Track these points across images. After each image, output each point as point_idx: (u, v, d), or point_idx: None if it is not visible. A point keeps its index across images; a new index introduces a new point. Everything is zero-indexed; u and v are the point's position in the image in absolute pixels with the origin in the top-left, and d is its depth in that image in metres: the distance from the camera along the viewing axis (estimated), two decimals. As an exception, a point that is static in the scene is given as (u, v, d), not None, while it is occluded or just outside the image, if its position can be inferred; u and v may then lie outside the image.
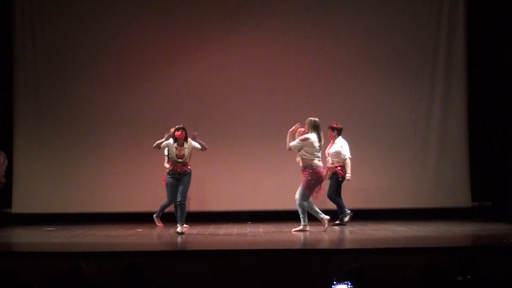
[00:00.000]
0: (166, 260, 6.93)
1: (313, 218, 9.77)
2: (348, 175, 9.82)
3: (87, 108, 11.09)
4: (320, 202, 9.91)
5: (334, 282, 4.52)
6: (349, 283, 4.49)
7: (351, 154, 9.92)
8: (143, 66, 11.12)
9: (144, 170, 10.71)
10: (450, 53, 11.11)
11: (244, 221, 10.53)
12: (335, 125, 10.00)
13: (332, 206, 10.02)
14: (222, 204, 11.02)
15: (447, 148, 11.08)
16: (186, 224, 9.37)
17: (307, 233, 8.95)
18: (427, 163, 11.08)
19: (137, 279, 4.85)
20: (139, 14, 11.18)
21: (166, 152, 9.44)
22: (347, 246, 8.10)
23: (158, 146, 8.86)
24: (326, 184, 9.97)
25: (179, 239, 8.62)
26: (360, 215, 10.56)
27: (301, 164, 9.01)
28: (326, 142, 9.57)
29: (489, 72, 10.91)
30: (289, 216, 9.37)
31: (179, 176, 8.88)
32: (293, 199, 9.47)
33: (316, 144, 8.97)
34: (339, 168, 9.85)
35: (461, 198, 10.97)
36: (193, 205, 10.10)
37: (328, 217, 9.07)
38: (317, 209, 9.03)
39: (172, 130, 9.05)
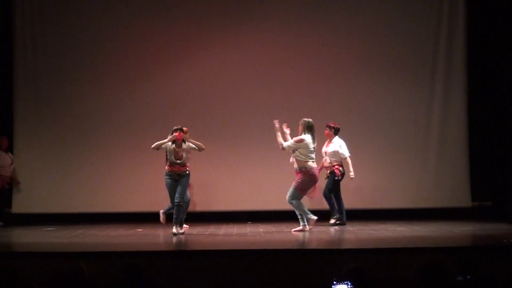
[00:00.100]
0: (166, 260, 6.93)
1: (321, 217, 9.79)
2: (351, 173, 9.84)
3: (87, 108, 11.09)
4: (319, 202, 9.97)
5: (334, 282, 4.51)
6: (349, 283, 4.48)
7: (349, 153, 9.94)
8: (143, 66, 11.12)
9: (144, 170, 10.71)
10: (450, 53, 11.11)
11: (244, 221, 10.53)
12: (332, 125, 10.01)
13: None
14: (222, 204, 11.02)
15: (447, 148, 11.08)
16: (186, 224, 9.39)
17: (307, 233, 8.95)
18: (427, 163, 11.08)
19: (137, 279, 4.84)
20: (139, 14, 11.18)
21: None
22: (347, 246, 8.10)
23: (157, 147, 8.83)
24: (322, 185, 10.01)
25: (179, 239, 8.62)
26: (360, 215, 10.58)
27: (295, 165, 9.02)
28: (320, 141, 9.59)
29: (489, 72, 10.91)
30: (289, 216, 9.36)
31: (178, 177, 8.86)
32: (305, 200, 9.49)
33: (311, 145, 8.98)
34: (336, 167, 9.85)
35: (461, 198, 10.97)
36: (193, 205, 10.10)
37: (315, 217, 9.04)
38: (305, 208, 9.03)
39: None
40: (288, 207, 9.18)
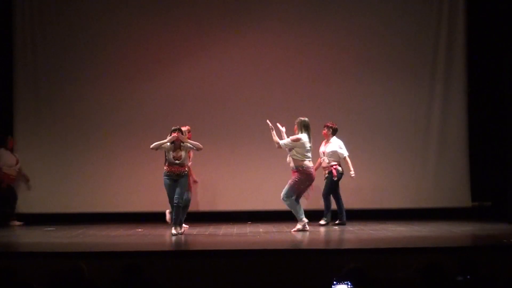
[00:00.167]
0: (166, 260, 6.93)
1: (313, 218, 9.81)
2: (352, 172, 9.84)
3: (87, 108, 11.09)
4: (317, 203, 9.98)
5: (334, 282, 4.51)
6: (349, 283, 4.48)
7: (348, 153, 9.96)
8: (143, 66, 11.12)
9: (144, 170, 10.70)
10: (450, 53, 11.11)
11: (244, 221, 10.53)
12: (330, 125, 10.01)
13: (333, 206, 10.03)
14: (222, 204, 11.02)
15: (447, 148, 11.08)
16: (186, 224, 9.39)
17: (307, 233, 8.95)
18: (427, 163, 11.08)
19: (137, 279, 4.84)
20: (139, 14, 11.18)
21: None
22: (347, 246, 8.10)
23: (156, 147, 8.82)
24: (320, 184, 10.02)
25: (179, 239, 8.62)
26: (360, 215, 10.58)
27: (292, 164, 9.02)
28: (316, 141, 9.59)
29: (489, 72, 10.91)
30: (289, 216, 9.36)
31: (176, 178, 8.84)
32: (309, 198, 9.50)
33: (307, 144, 9.00)
34: (334, 167, 9.84)
35: (461, 198, 10.97)
36: (193, 205, 10.09)
37: (306, 220, 9.05)
38: (298, 209, 9.03)
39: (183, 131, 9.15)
40: (304, 207, 9.21)
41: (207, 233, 9.30)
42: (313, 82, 11.13)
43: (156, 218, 10.11)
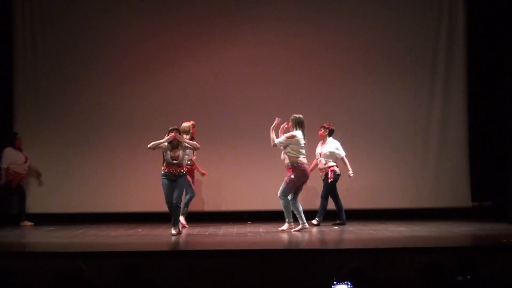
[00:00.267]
0: (166, 260, 6.93)
1: (312, 217, 9.81)
2: (350, 172, 9.84)
3: (87, 108, 11.09)
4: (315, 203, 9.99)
5: (334, 282, 4.51)
6: (349, 283, 4.48)
7: (348, 153, 9.96)
8: (143, 66, 11.12)
9: (144, 170, 10.69)
10: (450, 53, 11.11)
11: (244, 221, 10.53)
12: (327, 126, 10.00)
13: (331, 207, 10.03)
14: (222, 204, 11.03)
15: (447, 148, 11.08)
16: (186, 224, 9.40)
17: (307, 233, 8.95)
18: (427, 163, 11.08)
19: (137, 279, 4.84)
20: (140, 14, 11.18)
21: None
22: (347, 246, 8.09)
23: (154, 147, 8.82)
24: (316, 185, 10.02)
25: (179, 239, 8.62)
26: (360, 215, 10.59)
27: (286, 161, 9.03)
28: (313, 141, 9.59)
29: (489, 72, 10.91)
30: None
31: (174, 178, 8.83)
32: (302, 198, 9.50)
33: (302, 141, 9.01)
34: (331, 168, 9.83)
35: (461, 198, 10.97)
36: (193, 205, 10.10)
37: (307, 226, 9.12)
38: (290, 210, 9.04)
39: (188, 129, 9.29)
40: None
41: (207, 233, 9.29)
42: (313, 82, 11.13)
43: (156, 218, 10.10)
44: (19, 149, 10.78)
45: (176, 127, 8.87)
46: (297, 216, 9.08)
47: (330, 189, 9.90)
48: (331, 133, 10.01)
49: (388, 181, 11.02)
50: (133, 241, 8.47)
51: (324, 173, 9.91)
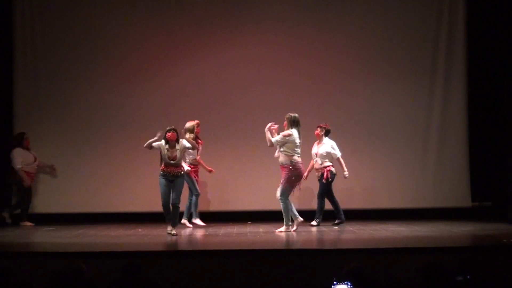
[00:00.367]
0: (166, 260, 6.93)
1: (309, 218, 9.81)
2: (345, 173, 9.84)
3: (87, 108, 11.09)
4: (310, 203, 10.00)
5: (334, 282, 4.51)
6: (349, 283, 4.48)
7: (344, 154, 9.96)
8: (143, 66, 11.12)
9: (144, 170, 10.69)
10: (450, 53, 11.11)
11: (244, 221, 10.53)
12: (324, 126, 9.98)
13: (327, 207, 10.03)
14: (222, 204, 11.03)
15: (447, 148, 11.08)
16: (189, 224, 9.46)
17: (307, 233, 8.95)
18: (427, 163, 11.08)
19: (137, 279, 4.84)
20: (140, 14, 11.18)
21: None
22: (347, 246, 8.09)
23: (150, 145, 8.82)
24: (312, 186, 10.02)
25: (179, 239, 8.62)
26: (360, 215, 10.58)
27: (281, 159, 9.02)
28: (310, 141, 9.59)
29: (489, 72, 10.91)
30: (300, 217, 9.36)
31: (172, 178, 8.83)
32: (298, 198, 9.52)
33: (297, 140, 9.01)
34: (328, 168, 9.82)
35: (461, 198, 10.97)
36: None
37: (301, 219, 9.11)
38: (289, 212, 9.05)
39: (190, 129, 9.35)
40: (295, 206, 9.22)
41: (207, 233, 9.30)
42: (313, 83, 11.13)
43: (156, 218, 10.09)
44: (27, 149, 10.79)
45: (173, 127, 8.87)
46: (291, 214, 9.12)
47: (325, 190, 9.88)
48: (327, 133, 10.00)
49: (388, 181, 11.02)
50: (133, 241, 8.47)
51: (320, 173, 9.90)
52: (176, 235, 8.80)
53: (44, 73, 11.15)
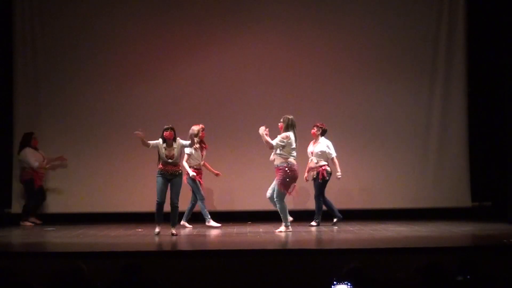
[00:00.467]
0: (166, 260, 6.93)
1: (300, 218, 9.81)
2: (338, 174, 9.83)
3: (87, 108, 11.09)
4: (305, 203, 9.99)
5: (334, 282, 4.51)
6: (349, 283, 4.48)
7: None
8: (143, 66, 11.12)
9: (144, 170, 10.67)
10: (450, 53, 11.11)
11: (244, 221, 10.53)
12: (320, 125, 9.97)
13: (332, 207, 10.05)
14: (222, 204, 11.02)
15: (447, 148, 11.07)
16: (189, 225, 9.44)
17: (307, 233, 8.95)
18: (427, 163, 11.08)
19: (137, 279, 4.84)
20: (140, 14, 11.18)
21: (188, 150, 9.64)
22: (347, 246, 8.08)
23: (146, 145, 8.83)
24: (307, 186, 10.02)
25: (179, 239, 8.62)
26: (360, 215, 10.58)
27: (276, 162, 9.02)
28: (304, 140, 9.62)
29: (489, 72, 10.91)
30: (292, 216, 9.35)
31: (170, 177, 8.83)
32: (293, 199, 9.53)
33: (294, 143, 9.00)
34: (323, 167, 9.81)
35: (461, 198, 10.97)
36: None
37: (291, 218, 9.13)
38: (287, 214, 9.06)
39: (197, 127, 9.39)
40: (288, 207, 9.21)
41: (207, 233, 9.30)
42: (313, 83, 11.13)
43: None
44: (36, 149, 10.81)
45: (171, 125, 8.88)
46: (281, 214, 9.14)
47: (321, 189, 9.87)
48: (323, 133, 9.99)
49: (388, 181, 11.01)
50: (133, 241, 8.47)
51: (315, 172, 9.88)
52: (176, 235, 8.80)
53: (44, 73, 11.15)
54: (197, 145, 9.78)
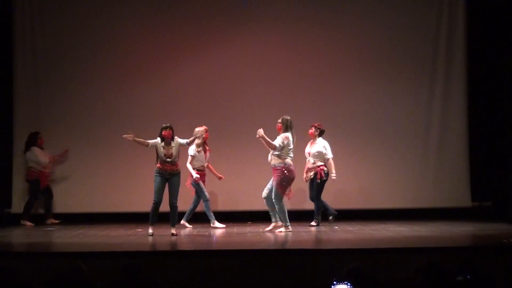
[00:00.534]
0: (166, 260, 6.93)
1: (298, 218, 9.81)
2: (333, 175, 9.81)
3: (87, 108, 11.09)
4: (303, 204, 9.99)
5: (334, 282, 4.51)
6: (349, 283, 4.48)
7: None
8: (143, 66, 11.12)
9: (144, 170, 10.64)
10: (450, 53, 11.11)
11: (244, 221, 10.53)
12: (318, 125, 9.97)
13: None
14: (222, 204, 11.02)
15: (447, 148, 11.07)
16: (189, 225, 9.43)
17: (307, 233, 8.95)
18: (427, 163, 11.08)
19: (137, 279, 4.84)
20: (139, 14, 11.18)
21: (192, 152, 9.67)
22: (347, 246, 8.08)
23: (146, 144, 8.83)
24: (305, 186, 10.02)
25: (179, 239, 8.62)
26: (360, 215, 10.59)
27: (273, 162, 9.01)
28: (303, 140, 9.62)
29: (489, 72, 10.91)
30: (289, 216, 9.35)
31: (169, 176, 8.83)
32: (293, 199, 9.53)
33: (291, 144, 9.01)
34: (321, 167, 9.81)
35: (461, 198, 10.97)
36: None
37: (289, 225, 9.11)
38: (286, 214, 9.06)
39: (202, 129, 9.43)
40: (288, 207, 9.21)
41: (207, 233, 9.30)
42: (313, 83, 11.13)
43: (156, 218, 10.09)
44: (41, 148, 10.81)
45: (169, 124, 8.88)
46: (271, 213, 9.15)
47: (319, 190, 9.86)
48: (321, 133, 9.98)
49: (388, 181, 11.01)
50: (133, 241, 8.48)
51: (312, 172, 9.88)
52: (176, 235, 8.80)
53: (44, 73, 11.15)
54: (200, 147, 9.79)
